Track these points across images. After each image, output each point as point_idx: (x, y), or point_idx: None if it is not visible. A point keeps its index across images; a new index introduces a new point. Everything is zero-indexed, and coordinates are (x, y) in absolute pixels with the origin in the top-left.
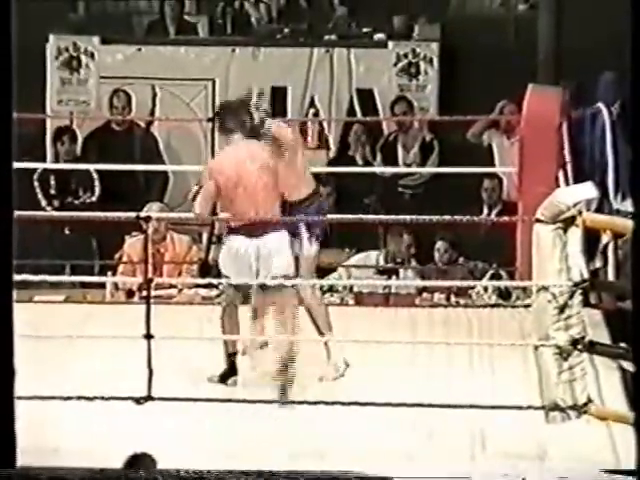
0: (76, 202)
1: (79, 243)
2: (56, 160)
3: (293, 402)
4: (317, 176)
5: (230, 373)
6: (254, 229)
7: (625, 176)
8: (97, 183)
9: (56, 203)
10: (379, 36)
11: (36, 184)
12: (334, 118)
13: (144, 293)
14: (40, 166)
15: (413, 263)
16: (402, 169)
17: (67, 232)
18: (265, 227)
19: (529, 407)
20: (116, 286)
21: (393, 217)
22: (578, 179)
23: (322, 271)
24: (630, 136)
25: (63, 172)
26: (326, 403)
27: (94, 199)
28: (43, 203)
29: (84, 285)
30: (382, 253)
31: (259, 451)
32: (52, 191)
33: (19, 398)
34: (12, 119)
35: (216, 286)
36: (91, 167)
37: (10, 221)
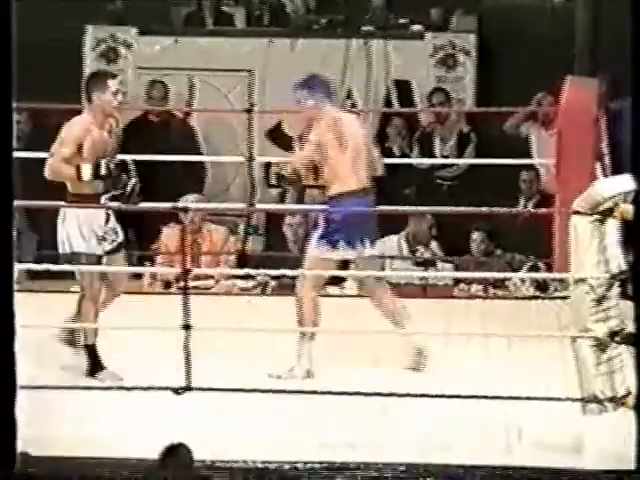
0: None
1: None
2: None
3: (303, 392)
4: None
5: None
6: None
7: None
8: (133, 174)
9: None
10: (416, 27)
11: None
12: (371, 109)
13: (182, 284)
14: None
15: (434, 244)
16: (439, 160)
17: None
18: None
19: (566, 399)
20: (153, 276)
21: (430, 208)
22: (616, 171)
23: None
24: (631, 137)
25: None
26: (335, 393)
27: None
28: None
29: None
30: (403, 235)
31: (295, 442)
32: None
33: (60, 388)
34: (12, 113)
35: (253, 277)
36: (126, 157)
37: (10, 215)
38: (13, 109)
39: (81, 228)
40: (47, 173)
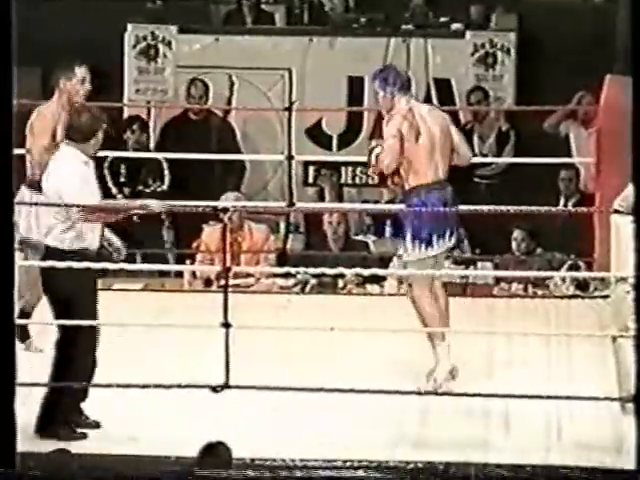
0: (147, 190)
1: (149, 231)
2: (126, 148)
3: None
4: None
5: None
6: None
7: None
8: (167, 172)
9: (126, 191)
10: (456, 26)
11: (106, 172)
12: None
13: (222, 282)
14: (110, 154)
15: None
16: (477, 159)
17: (136, 220)
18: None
19: (606, 398)
20: (194, 275)
21: (469, 207)
22: None
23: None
24: (632, 137)
25: (134, 160)
26: (342, 390)
27: (164, 188)
28: (114, 191)
29: (162, 274)
30: None
31: (335, 441)
32: (122, 179)
33: (96, 386)
34: (12, 113)
35: (294, 275)
36: (159, 155)
37: (11, 214)
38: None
39: None
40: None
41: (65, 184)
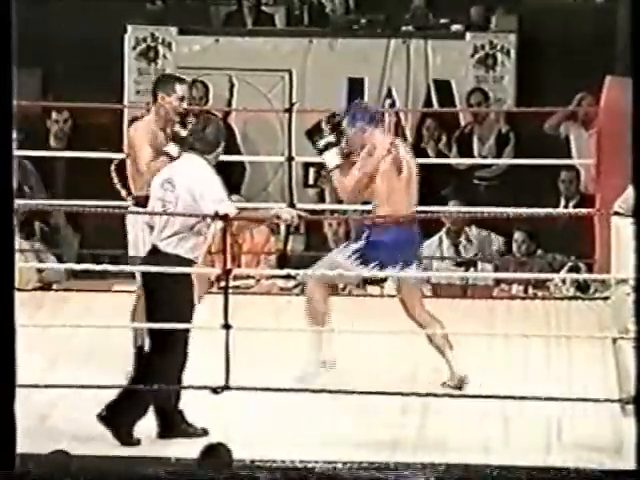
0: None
1: None
2: None
3: (341, 391)
4: None
5: None
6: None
7: None
8: None
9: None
10: (456, 27)
11: (114, 174)
12: (410, 109)
13: (222, 283)
14: (116, 156)
15: (474, 229)
16: (477, 160)
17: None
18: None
19: (606, 400)
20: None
21: (469, 209)
22: None
23: None
24: (632, 137)
25: None
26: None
27: None
28: (122, 193)
29: None
30: (444, 231)
31: (334, 441)
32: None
33: (99, 387)
34: (12, 113)
35: (294, 277)
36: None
37: (11, 214)
38: (14, 110)
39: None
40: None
41: (204, 190)
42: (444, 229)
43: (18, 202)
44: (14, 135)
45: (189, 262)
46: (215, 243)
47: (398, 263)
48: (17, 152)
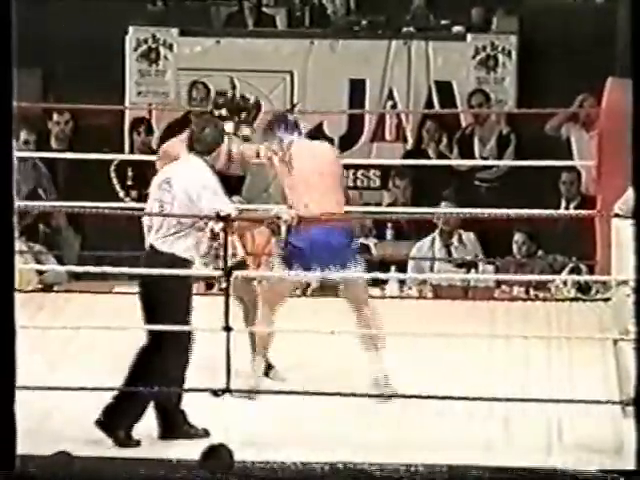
0: None
1: None
2: (132, 151)
3: (341, 394)
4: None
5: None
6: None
7: None
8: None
9: (134, 194)
10: (457, 28)
11: (113, 175)
12: (411, 110)
13: (223, 285)
14: (117, 157)
15: (471, 235)
16: (478, 162)
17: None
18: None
19: (607, 401)
20: (195, 277)
21: (470, 210)
22: None
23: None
24: (632, 138)
25: (140, 163)
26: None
27: None
28: (121, 194)
29: None
30: (436, 233)
31: (336, 443)
32: (129, 182)
33: (98, 389)
34: (12, 113)
35: None
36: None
37: (11, 214)
38: (13, 111)
39: None
40: None
41: (201, 190)
42: (437, 230)
43: (19, 204)
44: (26, 136)
45: (184, 261)
46: (249, 243)
47: (325, 264)
48: (31, 154)
